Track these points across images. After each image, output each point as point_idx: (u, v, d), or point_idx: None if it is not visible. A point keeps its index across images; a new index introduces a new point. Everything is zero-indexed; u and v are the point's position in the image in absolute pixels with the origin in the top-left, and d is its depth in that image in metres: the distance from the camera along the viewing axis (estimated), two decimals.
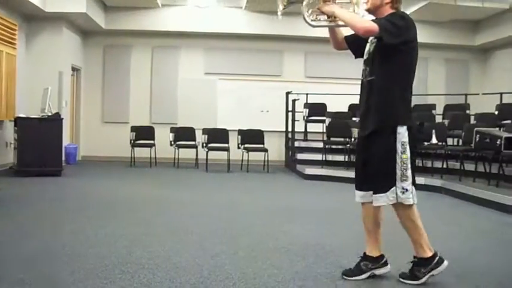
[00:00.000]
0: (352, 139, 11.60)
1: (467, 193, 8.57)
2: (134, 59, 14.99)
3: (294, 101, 13.30)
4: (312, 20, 4.16)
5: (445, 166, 10.07)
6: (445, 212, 7.66)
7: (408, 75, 3.93)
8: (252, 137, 12.99)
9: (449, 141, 11.46)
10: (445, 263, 3.93)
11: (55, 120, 10.50)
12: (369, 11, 4.04)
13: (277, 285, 3.77)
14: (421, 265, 3.92)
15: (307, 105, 13.67)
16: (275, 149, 14.24)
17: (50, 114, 10.54)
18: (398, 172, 3.84)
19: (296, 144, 13.19)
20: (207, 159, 12.52)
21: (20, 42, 11.66)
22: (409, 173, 3.85)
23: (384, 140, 3.86)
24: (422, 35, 14.94)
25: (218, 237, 5.30)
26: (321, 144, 12.18)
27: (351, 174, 10.63)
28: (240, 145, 12.78)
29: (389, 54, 3.85)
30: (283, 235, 5.52)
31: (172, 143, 13.19)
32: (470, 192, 8.49)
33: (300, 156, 12.75)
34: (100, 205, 7.16)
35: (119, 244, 4.83)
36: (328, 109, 13.27)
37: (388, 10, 3.95)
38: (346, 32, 4.16)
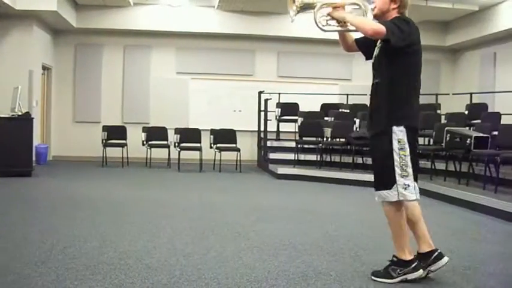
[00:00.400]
0: (324, 139, 11.67)
1: (438, 192, 8.66)
2: (106, 58, 14.88)
3: (266, 100, 13.32)
4: (323, 26, 4.38)
5: None
6: None
7: (412, 77, 4.04)
8: (225, 137, 12.98)
9: (421, 140, 11.56)
10: (445, 258, 4.05)
11: (25, 120, 10.37)
12: (376, 16, 4.20)
13: (249, 284, 3.77)
14: (399, 265, 3.97)
15: (279, 104, 13.68)
16: (247, 148, 14.26)
17: (20, 113, 10.40)
18: (397, 169, 3.92)
19: (268, 143, 13.21)
20: (179, 159, 12.48)
21: None
22: (409, 169, 3.94)
23: (383, 139, 3.96)
24: None
25: (190, 237, 5.29)
26: (293, 144, 12.22)
27: (323, 173, 10.72)
28: (212, 145, 12.76)
29: (394, 57, 3.96)
30: (255, 234, 5.52)
31: (145, 142, 13.12)
32: (441, 191, 8.59)
33: (273, 155, 12.76)
34: (71, 205, 7.10)
35: (89, 245, 4.79)
36: (301, 109, 13.31)
37: (394, 15, 4.11)
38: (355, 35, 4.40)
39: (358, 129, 11.60)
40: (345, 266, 4.35)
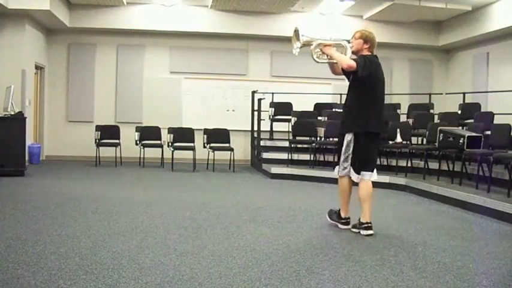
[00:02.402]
0: (318, 138, 11.67)
1: (431, 191, 8.69)
2: (99, 58, 14.84)
3: (259, 100, 13.31)
4: (317, 57, 6.01)
5: (409, 165, 10.20)
6: (409, 209, 7.74)
7: (368, 98, 5.80)
8: (218, 136, 12.97)
9: (414, 140, 11.61)
10: (346, 227, 5.93)
11: (18, 120, 10.34)
12: (353, 52, 5.94)
13: (242, 284, 3.77)
14: (334, 214, 6.12)
15: (272, 104, 13.68)
16: (241, 148, 14.26)
17: (12, 113, 10.38)
18: (342, 158, 5.86)
19: (262, 143, 13.20)
20: (172, 158, 12.46)
21: None
22: (349, 160, 5.82)
23: (338, 139, 6.01)
24: (387, 35, 15.25)
25: (183, 236, 5.28)
26: (286, 144, 12.23)
27: (317, 173, 10.75)
28: (205, 144, 12.75)
29: (361, 81, 5.71)
30: (249, 234, 5.52)
31: (138, 142, 13.09)
32: (434, 190, 8.61)
33: (266, 155, 12.75)
34: (64, 205, 7.08)
35: (82, 244, 4.78)
36: (294, 108, 13.31)
37: (365, 52, 5.91)
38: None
39: None
40: (338, 265, 4.35)
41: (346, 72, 5.95)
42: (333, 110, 13.19)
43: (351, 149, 5.79)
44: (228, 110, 15.00)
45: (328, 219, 6.14)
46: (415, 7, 13.07)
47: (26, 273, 3.85)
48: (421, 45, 15.52)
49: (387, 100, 13.89)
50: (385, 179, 9.95)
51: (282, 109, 13.52)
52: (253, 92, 13.69)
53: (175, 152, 12.48)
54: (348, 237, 5.52)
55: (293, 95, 13.70)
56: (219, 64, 15.04)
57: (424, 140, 10.87)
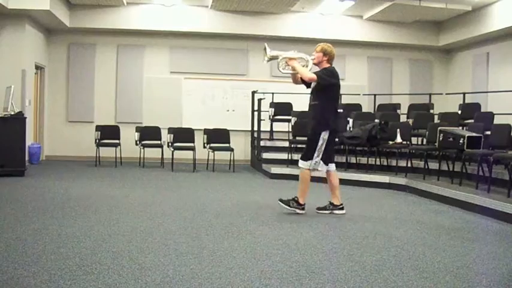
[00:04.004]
0: None
1: (431, 191, 8.69)
2: (99, 58, 14.85)
3: (259, 100, 13.31)
4: (282, 69, 6.92)
5: (409, 165, 10.19)
6: (409, 209, 7.74)
7: (333, 101, 6.97)
8: (218, 137, 12.97)
9: (414, 140, 11.60)
10: (344, 211, 7.03)
11: (18, 120, 10.34)
12: (314, 64, 6.91)
13: (242, 284, 3.77)
14: (296, 202, 6.94)
15: (272, 104, 13.67)
16: (241, 148, 14.27)
17: (12, 113, 10.38)
18: (316, 153, 6.78)
19: (262, 143, 13.19)
20: (172, 158, 12.47)
21: None
22: (321, 155, 6.79)
23: (315, 137, 6.83)
24: (387, 36, 15.27)
25: (183, 236, 5.28)
26: (286, 144, 12.23)
27: (316, 173, 10.71)
28: (205, 144, 12.76)
29: (322, 90, 6.80)
30: (249, 234, 5.53)
31: (138, 142, 13.10)
32: (434, 190, 8.61)
33: (266, 155, 12.75)
34: (63, 205, 7.08)
35: (82, 244, 4.78)
36: (294, 108, 13.30)
37: (325, 65, 6.90)
38: None
39: (351, 129, 11.61)
40: (338, 265, 4.35)
41: (305, 82, 6.95)
42: None
43: (325, 145, 6.76)
44: (228, 110, 15.01)
45: (286, 207, 6.92)
46: (415, 7, 13.08)
47: (26, 273, 3.85)
48: (421, 45, 15.53)
49: (387, 100, 14.09)
50: (385, 179, 9.97)
51: (282, 109, 13.51)
52: (253, 92, 13.68)
53: (176, 152, 12.48)
54: (348, 237, 5.52)
55: (293, 95, 13.68)
56: (219, 64, 15.04)
57: (424, 140, 10.86)
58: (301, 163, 6.93)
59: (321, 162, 6.86)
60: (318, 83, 6.78)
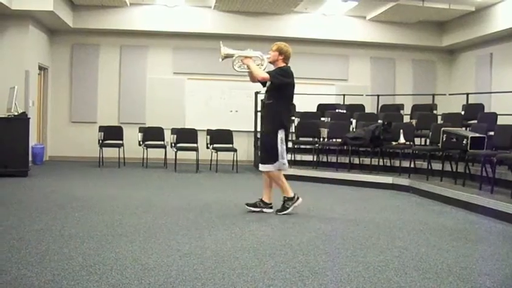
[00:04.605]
0: (321, 139, 11.67)
1: (434, 192, 8.68)
2: (102, 58, 14.87)
3: (262, 100, 13.28)
4: (238, 67, 6.99)
5: (412, 165, 10.18)
6: (412, 210, 7.73)
7: (287, 100, 6.99)
8: (221, 137, 12.98)
9: (417, 140, 11.59)
10: (300, 199, 6.94)
11: (21, 120, 10.36)
12: (270, 62, 6.94)
13: (245, 285, 3.77)
14: (289, 200, 6.87)
15: None
16: (244, 149, 14.26)
17: (16, 113, 10.40)
18: (280, 153, 6.77)
19: None
20: (175, 159, 12.48)
21: None
22: (284, 154, 6.82)
23: (271, 136, 6.82)
24: (390, 36, 15.26)
25: (186, 237, 5.28)
26: (289, 144, 12.14)
27: (320, 173, 10.72)
28: (208, 145, 12.76)
29: (276, 89, 6.85)
30: (251, 235, 5.52)
31: (141, 143, 13.11)
32: (437, 191, 8.60)
33: None
34: (67, 206, 7.08)
35: (86, 245, 4.79)
36: (297, 109, 13.27)
37: (280, 63, 6.92)
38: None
39: (354, 130, 11.61)
40: (341, 266, 4.35)
41: (260, 81, 6.96)
42: (336, 110, 13.21)
43: (284, 143, 6.81)
44: (231, 111, 15.02)
45: (253, 208, 6.92)
46: (418, 8, 13.07)
47: (29, 273, 3.86)
48: (424, 46, 15.53)
49: (390, 101, 14.08)
50: (388, 179, 9.96)
51: None
52: (256, 93, 13.69)
53: (179, 152, 12.49)
54: (351, 238, 5.52)
55: (296, 96, 13.59)
56: (221, 65, 14.85)
57: (428, 140, 10.85)
58: (265, 167, 6.88)
59: (286, 162, 6.94)
60: (271, 82, 6.82)
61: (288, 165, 7.01)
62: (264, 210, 6.91)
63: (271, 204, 6.98)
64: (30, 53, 12.66)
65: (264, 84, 7.02)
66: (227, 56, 7.02)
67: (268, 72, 6.81)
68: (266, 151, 6.96)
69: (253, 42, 15.02)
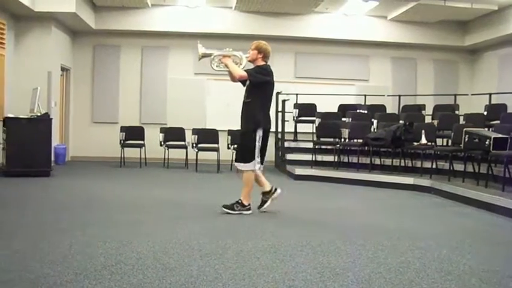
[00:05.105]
0: (342, 139, 11.64)
1: (456, 193, 8.60)
2: (124, 59, 14.96)
3: (283, 101, 13.30)
4: (216, 66, 7.11)
5: (434, 166, 10.11)
6: (433, 211, 7.69)
7: (266, 99, 6.84)
8: None
9: (439, 141, 11.51)
10: (279, 190, 7.03)
11: (44, 121, 10.46)
12: (249, 61, 6.91)
13: (266, 285, 3.76)
14: (241, 205, 6.74)
15: (297, 105, 13.67)
16: None
17: (39, 114, 10.50)
18: (256, 153, 6.70)
19: (286, 144, 13.18)
20: (196, 159, 12.51)
21: (8, 42, 11.62)
22: (259, 153, 6.74)
23: (249, 135, 6.71)
24: (411, 36, 15.17)
25: (207, 237, 5.29)
26: (310, 145, 12.19)
27: (341, 174, 10.68)
28: (229, 145, 12.78)
29: (255, 88, 6.74)
30: (272, 235, 5.52)
31: (162, 143, 13.16)
32: (459, 192, 8.52)
33: (290, 156, 12.75)
34: (88, 205, 7.14)
35: (107, 245, 4.81)
36: (318, 109, 13.28)
37: (260, 62, 6.88)
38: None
39: (375, 130, 11.57)
40: (362, 267, 4.33)
41: (240, 80, 6.86)
42: (357, 111, 13.17)
43: (260, 143, 6.75)
44: None
45: (232, 211, 6.72)
46: (440, 7, 12.98)
47: (51, 272, 3.89)
48: (446, 46, 15.41)
49: (412, 101, 13.99)
50: (410, 180, 9.90)
51: (306, 110, 13.49)
52: (278, 93, 13.66)
53: (200, 153, 12.53)
54: (372, 238, 5.49)
55: (317, 96, 13.67)
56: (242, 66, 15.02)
57: (449, 141, 10.78)
58: (242, 166, 6.79)
59: (258, 161, 6.83)
60: (250, 81, 6.77)
61: (259, 165, 6.88)
62: (244, 213, 6.78)
63: (249, 205, 6.84)
64: (53, 54, 12.77)
65: (244, 83, 6.94)
66: (204, 56, 7.19)
67: (246, 71, 6.77)
68: (243, 150, 6.87)
69: (274, 43, 15.02)
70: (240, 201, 6.77)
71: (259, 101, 6.76)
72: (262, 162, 6.92)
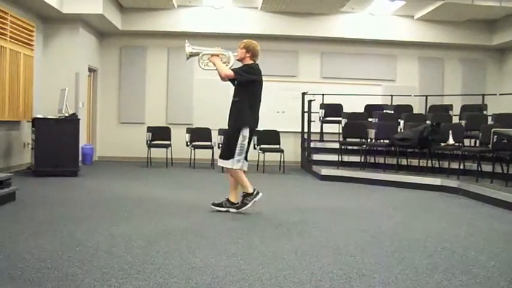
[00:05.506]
0: (368, 140, 11.59)
1: (484, 194, 8.51)
2: (150, 60, 15.05)
3: (310, 101, 13.28)
4: (204, 66, 7.08)
5: (461, 167, 10.01)
6: (461, 212, 7.61)
7: (253, 98, 6.84)
8: (268, 138, 12.99)
9: (466, 142, 11.39)
10: (260, 193, 6.93)
11: (72, 121, 10.57)
12: (237, 59, 6.92)
13: (293, 285, 3.76)
14: (248, 196, 6.85)
15: (323, 105, 13.63)
16: (291, 149, 14.22)
17: (66, 114, 10.61)
18: (237, 151, 6.71)
19: (312, 145, 13.16)
20: None
21: (37, 44, 11.76)
22: (243, 153, 6.75)
23: (235, 133, 6.74)
24: (438, 35, 15.03)
25: (233, 237, 5.31)
26: (336, 145, 12.14)
27: (367, 175, 10.64)
28: (256, 146, 12.77)
29: (243, 87, 6.81)
30: (298, 236, 5.52)
31: (188, 143, 13.21)
32: (487, 193, 8.43)
33: (316, 157, 12.73)
34: (116, 205, 7.20)
35: (134, 244, 4.85)
36: (344, 110, 13.24)
37: (248, 61, 6.89)
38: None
39: (402, 131, 11.49)
40: (389, 268, 4.30)
41: (230, 79, 6.89)
42: (384, 111, 13.10)
43: (246, 142, 6.75)
44: (278, 112, 15.01)
45: (219, 208, 6.86)
46: (467, 6, 12.84)
47: (79, 271, 3.93)
48: (473, 45, 15.25)
49: (439, 101, 13.87)
50: (437, 181, 9.81)
51: (332, 110, 13.45)
52: (304, 94, 13.67)
53: None
54: (398, 240, 5.45)
55: (343, 96, 13.62)
56: (269, 66, 14.91)
57: (477, 141, 10.67)
58: (222, 162, 6.87)
59: (244, 160, 6.84)
60: (236, 80, 6.83)
61: (244, 164, 6.88)
62: (230, 210, 6.85)
63: (237, 203, 6.88)
64: (80, 56, 12.90)
65: (233, 82, 6.97)
66: (192, 55, 7.16)
67: (232, 70, 6.83)
68: (224, 147, 7.00)
69: (300, 43, 15.10)
70: (244, 193, 6.91)
71: (247, 100, 6.80)
72: (245, 159, 6.93)
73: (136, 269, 4.03)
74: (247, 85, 6.80)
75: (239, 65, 6.97)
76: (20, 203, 7.12)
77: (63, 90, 10.86)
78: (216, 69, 6.91)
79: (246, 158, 6.92)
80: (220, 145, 7.13)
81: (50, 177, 9.94)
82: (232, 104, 6.93)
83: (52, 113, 11.00)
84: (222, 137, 10.90)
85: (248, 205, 6.83)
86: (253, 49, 6.94)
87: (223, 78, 6.97)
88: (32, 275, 3.81)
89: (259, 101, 6.96)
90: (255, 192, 6.91)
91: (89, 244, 4.79)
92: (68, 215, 6.34)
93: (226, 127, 7.03)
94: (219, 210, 6.85)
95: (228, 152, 6.78)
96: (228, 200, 6.96)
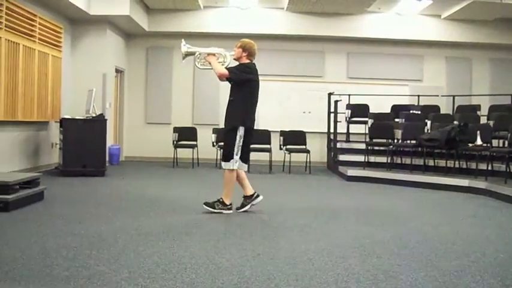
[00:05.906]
0: (395, 140, 11.51)
1: None
2: (176, 61, 15.11)
3: (336, 102, 13.23)
4: (200, 65, 7.16)
5: (489, 168, 9.90)
6: (489, 214, 7.52)
7: (250, 98, 6.88)
8: (294, 138, 12.97)
9: (495, 142, 11.26)
10: (260, 197, 6.92)
11: (99, 121, 10.66)
12: (234, 59, 6.98)
13: (319, 286, 3.75)
14: (221, 204, 6.69)
15: (349, 106, 13.59)
16: (317, 150, 14.19)
17: (94, 115, 10.71)
18: (235, 150, 6.62)
19: (338, 145, 13.10)
20: (249, 160, 12.51)
21: (65, 45, 11.89)
22: (239, 153, 6.65)
23: (232, 133, 6.68)
24: (466, 35, 14.88)
25: (259, 237, 5.31)
26: (363, 146, 12.09)
27: (394, 175, 10.56)
28: (282, 146, 12.78)
29: (238, 86, 6.81)
30: (325, 236, 5.50)
31: (214, 144, 13.24)
32: None
33: (342, 157, 12.68)
34: (142, 205, 7.24)
35: (161, 243, 4.88)
36: (371, 110, 13.18)
37: (244, 60, 6.98)
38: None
39: (429, 131, 11.40)
40: (416, 270, 4.27)
41: (227, 78, 6.85)
42: (410, 111, 13.00)
43: (242, 141, 6.68)
44: (304, 112, 14.99)
45: (212, 209, 6.67)
46: (495, 4, 12.69)
47: (107, 269, 3.97)
48: (502, 44, 15.06)
49: (467, 101, 13.74)
50: (464, 182, 9.71)
51: (358, 111, 13.41)
52: (330, 94, 13.63)
53: (252, 153, 12.50)
54: (426, 241, 5.41)
55: (370, 97, 13.56)
56: (295, 66, 15.05)
57: (506, 142, 10.54)
58: (224, 164, 6.74)
59: (239, 160, 6.72)
60: (231, 79, 6.81)
61: (242, 165, 6.82)
62: (224, 212, 6.73)
63: (230, 205, 6.77)
64: (108, 57, 13.01)
65: (230, 81, 6.93)
66: (188, 54, 7.25)
67: (227, 69, 6.82)
68: (224, 149, 6.86)
69: (326, 43, 15.07)
70: (221, 199, 6.75)
71: (243, 99, 6.80)
72: (246, 162, 6.88)
73: (162, 269, 4.05)
74: (242, 84, 6.81)
75: (236, 64, 6.99)
76: (48, 203, 7.20)
77: (91, 91, 10.96)
78: (209, 68, 7.01)
79: (247, 160, 6.92)
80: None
81: (78, 177, 10.05)
82: (228, 103, 6.90)
83: (80, 114, 11.11)
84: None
85: (246, 207, 6.86)
86: (249, 48, 7.05)
87: (219, 78, 6.95)
88: (61, 273, 3.85)
89: (256, 101, 7.03)
90: (255, 195, 6.93)
91: (116, 243, 4.83)
92: (95, 214, 6.40)
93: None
94: (212, 212, 6.71)
95: (227, 153, 6.72)
96: (244, 197, 6.96)
